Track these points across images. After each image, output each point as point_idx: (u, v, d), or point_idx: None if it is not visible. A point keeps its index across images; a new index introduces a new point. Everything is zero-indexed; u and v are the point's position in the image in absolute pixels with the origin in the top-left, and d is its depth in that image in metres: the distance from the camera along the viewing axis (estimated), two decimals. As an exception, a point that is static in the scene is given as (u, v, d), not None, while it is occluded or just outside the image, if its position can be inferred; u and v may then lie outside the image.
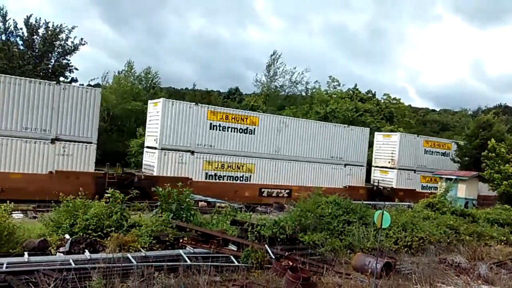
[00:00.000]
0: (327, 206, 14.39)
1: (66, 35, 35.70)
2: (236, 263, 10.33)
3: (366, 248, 12.63)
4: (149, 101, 24.37)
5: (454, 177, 26.66)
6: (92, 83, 47.26)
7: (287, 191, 24.73)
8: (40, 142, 18.30)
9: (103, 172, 19.73)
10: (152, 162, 21.82)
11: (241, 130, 23.60)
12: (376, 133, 33.39)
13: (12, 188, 16.43)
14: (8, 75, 19.08)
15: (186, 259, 10.02)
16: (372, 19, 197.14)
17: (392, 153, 30.66)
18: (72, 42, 36.13)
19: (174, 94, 53.47)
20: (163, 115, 21.37)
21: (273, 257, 10.78)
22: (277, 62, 47.97)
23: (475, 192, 26.98)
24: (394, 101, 54.64)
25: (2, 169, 17.52)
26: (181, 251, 10.46)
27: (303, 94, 49.55)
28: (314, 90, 48.65)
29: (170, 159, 21.56)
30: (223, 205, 17.99)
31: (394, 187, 29.61)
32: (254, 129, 24.05)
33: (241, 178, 23.69)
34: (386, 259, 11.14)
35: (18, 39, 35.04)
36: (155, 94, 42.95)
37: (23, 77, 19.58)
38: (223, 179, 23.09)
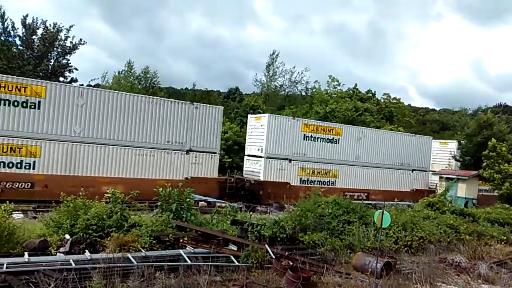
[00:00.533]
0: (327, 206, 14.41)
1: (65, 34, 35.75)
2: (236, 263, 10.33)
3: (366, 247, 12.62)
4: (250, 116, 27.11)
5: (454, 176, 26.67)
6: (92, 83, 47.32)
7: (365, 194, 26.96)
8: (178, 153, 21.43)
9: (224, 178, 23.55)
10: (256, 169, 24.69)
11: (328, 140, 26.30)
12: (433, 140, 34.65)
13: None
14: (155, 97, 22.49)
15: (186, 259, 10.02)
16: (373, 18, 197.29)
17: (449, 159, 33.29)
18: (71, 42, 36.18)
19: (174, 94, 53.43)
20: (268, 128, 24.02)
21: (273, 256, 10.77)
22: (275, 61, 48.01)
23: (475, 192, 27.00)
24: (394, 101, 54.70)
25: (151, 176, 20.33)
26: (181, 251, 10.47)
27: (303, 93, 49.55)
28: (314, 90, 48.64)
29: (273, 166, 24.34)
30: (223, 205, 18.06)
31: None
32: (339, 139, 26.74)
33: (328, 183, 25.98)
34: (386, 259, 11.15)
35: (17, 39, 35.07)
36: (154, 94, 42.92)
37: (165, 98, 23.56)
38: (314, 184, 25.15)
